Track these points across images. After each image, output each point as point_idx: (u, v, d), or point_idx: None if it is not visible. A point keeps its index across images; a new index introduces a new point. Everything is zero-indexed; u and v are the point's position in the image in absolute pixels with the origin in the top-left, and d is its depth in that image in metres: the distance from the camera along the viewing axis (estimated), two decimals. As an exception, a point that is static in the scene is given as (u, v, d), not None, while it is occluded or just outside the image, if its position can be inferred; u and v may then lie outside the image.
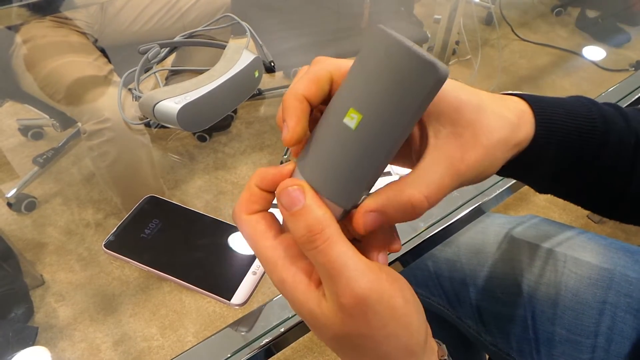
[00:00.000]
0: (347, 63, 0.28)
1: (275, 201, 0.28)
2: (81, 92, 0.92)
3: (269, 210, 0.30)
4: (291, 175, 0.28)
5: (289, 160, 0.29)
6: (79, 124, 0.94)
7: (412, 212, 0.27)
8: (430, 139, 0.28)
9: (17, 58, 0.99)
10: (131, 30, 1.13)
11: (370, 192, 0.28)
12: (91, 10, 1.09)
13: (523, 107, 0.31)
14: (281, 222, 0.29)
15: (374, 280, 0.25)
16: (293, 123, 0.27)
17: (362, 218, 0.27)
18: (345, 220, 0.28)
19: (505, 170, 0.32)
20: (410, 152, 0.32)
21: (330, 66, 0.28)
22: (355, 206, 0.28)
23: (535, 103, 0.32)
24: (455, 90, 0.28)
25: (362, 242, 0.30)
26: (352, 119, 0.25)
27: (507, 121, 0.30)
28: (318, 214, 0.25)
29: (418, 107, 0.25)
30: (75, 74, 0.94)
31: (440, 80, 0.24)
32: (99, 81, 0.93)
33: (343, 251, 0.25)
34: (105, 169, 0.96)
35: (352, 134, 0.25)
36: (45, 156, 1.31)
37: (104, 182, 1.05)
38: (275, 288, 0.28)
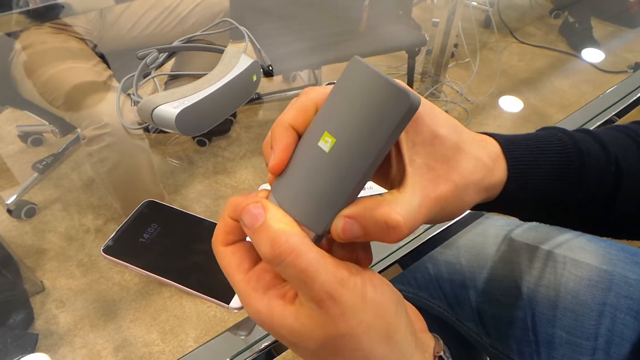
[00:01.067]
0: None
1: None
2: (81, 98, 0.92)
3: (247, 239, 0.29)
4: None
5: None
6: (79, 130, 0.95)
7: (386, 232, 0.26)
8: (407, 167, 0.28)
9: (16, 64, 0.99)
10: (130, 36, 1.14)
11: None
12: (90, 17, 1.10)
13: (498, 151, 0.32)
14: None
15: (346, 277, 0.25)
16: (279, 150, 0.28)
17: (337, 223, 0.27)
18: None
19: (481, 208, 0.33)
20: (388, 172, 0.31)
21: (316, 96, 0.29)
22: (328, 232, 0.28)
23: (507, 147, 0.32)
24: (434, 123, 0.29)
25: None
26: (326, 142, 0.26)
27: (483, 165, 0.30)
28: (279, 227, 0.25)
29: (390, 133, 0.25)
30: (75, 79, 0.94)
31: (412, 108, 0.25)
32: (98, 87, 0.93)
33: (312, 258, 0.25)
34: (105, 174, 0.97)
35: (326, 157, 0.26)
36: (44, 162, 1.31)
37: (104, 187, 1.05)
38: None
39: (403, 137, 0.28)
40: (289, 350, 0.45)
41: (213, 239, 0.29)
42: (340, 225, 0.26)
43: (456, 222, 0.55)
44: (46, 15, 1.01)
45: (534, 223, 0.65)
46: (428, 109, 0.29)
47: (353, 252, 0.29)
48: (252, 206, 0.26)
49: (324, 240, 0.29)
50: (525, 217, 0.36)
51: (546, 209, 0.34)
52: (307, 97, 0.29)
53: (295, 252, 0.25)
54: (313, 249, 0.25)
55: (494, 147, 0.32)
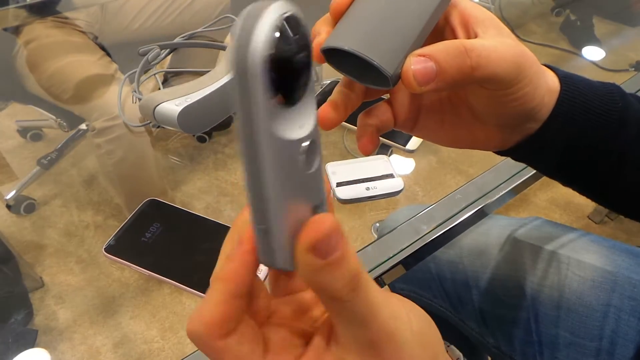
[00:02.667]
0: None
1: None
2: (89, 91, 0.92)
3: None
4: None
5: None
6: (86, 123, 0.94)
7: (465, 57, 0.25)
8: (479, 35, 0.28)
9: (21, 59, 0.99)
10: (131, 29, 1.13)
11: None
12: (91, 10, 1.09)
13: (544, 68, 0.32)
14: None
15: (397, 311, 0.22)
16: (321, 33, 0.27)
17: (413, 64, 0.25)
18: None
19: (529, 145, 0.32)
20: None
21: None
22: (398, 75, 0.26)
23: (555, 68, 0.33)
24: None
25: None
26: None
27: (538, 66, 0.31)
28: (355, 254, 0.20)
29: None
30: (82, 73, 0.94)
31: None
32: (106, 79, 0.93)
33: (377, 290, 0.21)
34: (113, 167, 0.96)
35: None
36: (49, 157, 1.30)
37: (109, 180, 1.05)
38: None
39: (469, 15, 0.28)
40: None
41: (204, 331, 0.21)
42: (414, 63, 0.25)
43: (459, 222, 0.55)
44: (45, 10, 1.01)
45: (537, 223, 0.65)
46: None
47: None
48: (333, 232, 0.19)
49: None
50: (563, 168, 0.35)
51: (585, 150, 0.33)
52: None
53: (367, 286, 0.20)
54: (373, 282, 0.21)
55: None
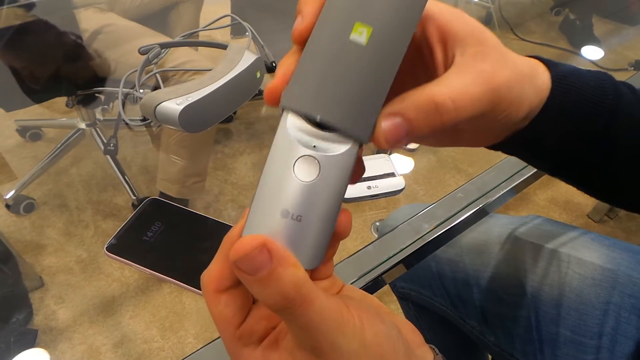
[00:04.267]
0: None
1: None
2: None
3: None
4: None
5: None
6: (81, 124, 0.94)
7: (435, 113, 0.24)
8: (456, 58, 0.26)
9: (99, 41, 1.00)
10: (135, 5, 1.14)
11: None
12: None
13: (536, 62, 0.31)
14: None
15: (345, 322, 0.23)
16: (310, 10, 0.24)
17: (383, 123, 0.24)
18: None
19: (520, 138, 0.31)
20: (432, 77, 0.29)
21: None
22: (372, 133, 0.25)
23: (546, 60, 0.31)
24: (477, 22, 0.27)
25: None
26: (360, 34, 0.23)
27: (528, 63, 0.29)
28: (292, 274, 0.21)
29: (424, 5, 0.23)
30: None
31: None
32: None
33: (320, 306, 0.22)
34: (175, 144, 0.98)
35: (365, 50, 0.23)
36: (112, 143, 1.23)
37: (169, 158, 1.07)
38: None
39: (449, 30, 0.26)
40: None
41: (205, 282, 0.25)
42: (386, 125, 0.24)
43: (460, 221, 0.55)
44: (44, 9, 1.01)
45: (538, 221, 0.65)
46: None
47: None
48: (256, 252, 0.21)
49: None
50: (556, 160, 0.34)
51: (581, 147, 0.32)
52: None
53: (307, 301, 0.22)
54: (320, 295, 0.22)
55: (530, 59, 0.31)
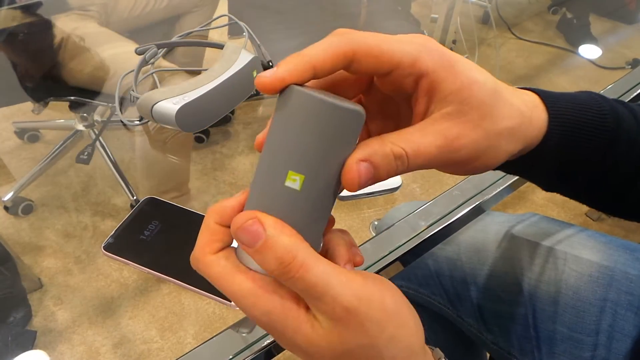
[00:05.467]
0: (373, 39, 0.26)
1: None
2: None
3: (231, 246, 0.28)
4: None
5: None
6: (79, 125, 0.94)
7: (394, 164, 0.26)
8: (431, 113, 0.27)
9: (63, 51, 0.99)
10: (133, 15, 1.14)
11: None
12: (97, 0, 1.10)
13: (536, 101, 0.31)
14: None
15: (360, 288, 0.24)
16: (290, 67, 0.25)
17: (355, 168, 0.25)
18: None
19: (514, 166, 0.32)
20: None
21: (351, 44, 0.26)
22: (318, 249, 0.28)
23: (547, 97, 0.31)
24: (471, 70, 0.27)
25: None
26: (294, 181, 0.25)
27: (519, 112, 0.29)
28: (285, 243, 0.24)
29: (353, 148, 0.26)
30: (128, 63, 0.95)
31: (363, 118, 0.26)
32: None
33: (321, 271, 0.24)
34: (157, 150, 0.97)
35: (299, 195, 0.25)
36: (86, 153, 1.25)
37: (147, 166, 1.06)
38: (252, 319, 0.26)
39: (436, 88, 0.27)
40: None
41: (196, 251, 0.27)
42: (360, 170, 0.25)
43: (457, 218, 0.55)
44: (43, 10, 1.01)
45: (535, 219, 0.65)
46: (460, 58, 0.28)
47: (346, 252, 0.29)
48: (248, 223, 0.24)
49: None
50: (549, 183, 0.35)
51: (575, 171, 0.33)
52: (343, 39, 0.26)
53: (304, 266, 0.24)
54: (322, 261, 0.24)
55: (531, 97, 0.31)
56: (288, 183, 0.25)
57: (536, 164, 0.32)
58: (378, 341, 0.25)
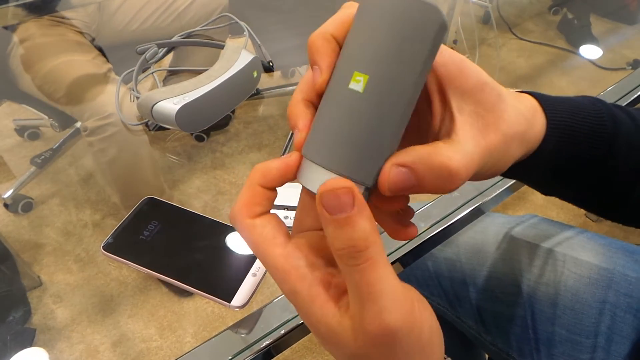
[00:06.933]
0: None
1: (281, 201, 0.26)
2: (82, 90, 0.92)
3: (270, 212, 0.26)
4: (298, 166, 0.26)
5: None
6: (79, 123, 0.94)
7: (447, 179, 0.24)
8: (455, 114, 0.26)
9: (14, 57, 0.99)
10: (129, 30, 1.13)
11: None
12: (89, 10, 1.09)
13: (535, 105, 0.31)
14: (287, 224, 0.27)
15: (408, 312, 0.23)
16: (326, 64, 0.25)
17: (389, 172, 0.24)
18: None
19: (512, 171, 0.32)
20: (429, 125, 0.29)
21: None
22: (376, 185, 0.25)
23: (546, 102, 0.31)
24: (479, 72, 0.27)
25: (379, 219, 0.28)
26: (358, 82, 0.23)
27: (524, 117, 0.29)
28: (366, 228, 0.22)
29: (425, 56, 0.23)
30: (75, 72, 0.94)
31: (443, 25, 0.23)
32: (99, 79, 0.93)
33: (382, 275, 0.22)
34: (107, 165, 0.96)
35: (361, 97, 0.23)
36: (43, 157, 1.30)
37: (105, 179, 1.05)
38: (281, 292, 0.26)
39: (449, 85, 0.26)
40: (288, 350, 0.45)
41: (235, 211, 0.25)
42: (392, 174, 0.24)
43: (457, 220, 0.55)
44: (44, 8, 1.01)
45: (534, 221, 0.65)
46: (465, 58, 0.27)
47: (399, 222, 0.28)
48: (342, 191, 0.22)
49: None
50: (547, 187, 0.35)
51: (574, 174, 0.33)
52: (349, 10, 0.27)
53: (372, 261, 0.22)
54: (387, 266, 0.23)
55: (531, 101, 0.31)
56: (352, 85, 0.23)
57: (534, 169, 0.32)
58: (399, 356, 0.23)
